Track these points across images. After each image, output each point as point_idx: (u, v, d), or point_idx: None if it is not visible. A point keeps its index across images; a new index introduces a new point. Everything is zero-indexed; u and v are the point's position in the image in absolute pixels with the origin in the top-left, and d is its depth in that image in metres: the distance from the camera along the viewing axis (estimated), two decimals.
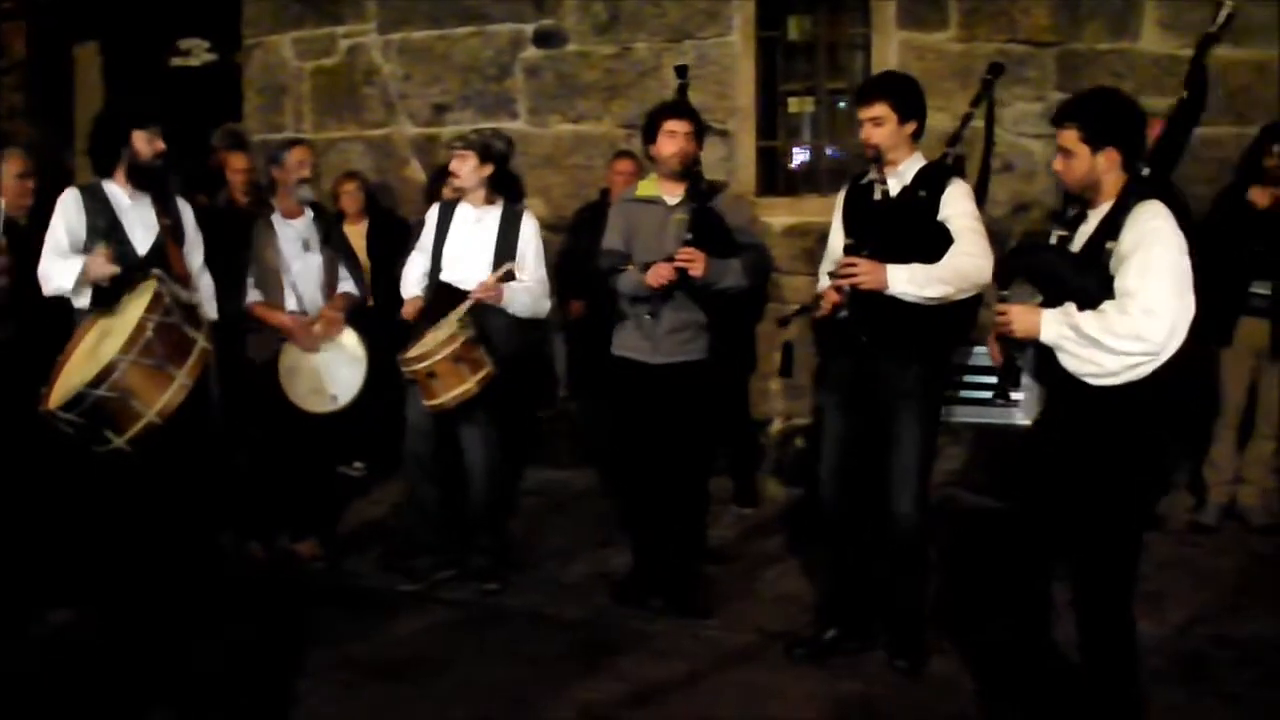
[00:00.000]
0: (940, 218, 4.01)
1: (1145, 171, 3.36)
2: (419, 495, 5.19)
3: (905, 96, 4.10)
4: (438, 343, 4.77)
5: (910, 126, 4.10)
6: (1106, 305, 3.22)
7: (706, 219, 4.61)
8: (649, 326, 4.65)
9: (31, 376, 4.05)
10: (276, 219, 5.22)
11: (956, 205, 4.01)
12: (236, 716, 3.81)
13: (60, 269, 4.22)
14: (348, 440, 6.69)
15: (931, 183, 4.04)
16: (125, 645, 3.96)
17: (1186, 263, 3.23)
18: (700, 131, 4.73)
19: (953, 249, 3.93)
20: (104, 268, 4.17)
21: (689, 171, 4.67)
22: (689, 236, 4.52)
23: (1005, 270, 3.50)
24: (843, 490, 4.23)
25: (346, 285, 5.38)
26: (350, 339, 5.25)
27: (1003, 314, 3.40)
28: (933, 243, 3.96)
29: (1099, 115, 3.36)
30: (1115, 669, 3.39)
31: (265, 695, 3.96)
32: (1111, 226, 3.27)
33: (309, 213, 5.32)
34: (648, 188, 4.80)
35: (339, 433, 5.60)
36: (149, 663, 3.82)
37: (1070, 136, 3.36)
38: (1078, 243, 3.41)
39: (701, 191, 4.68)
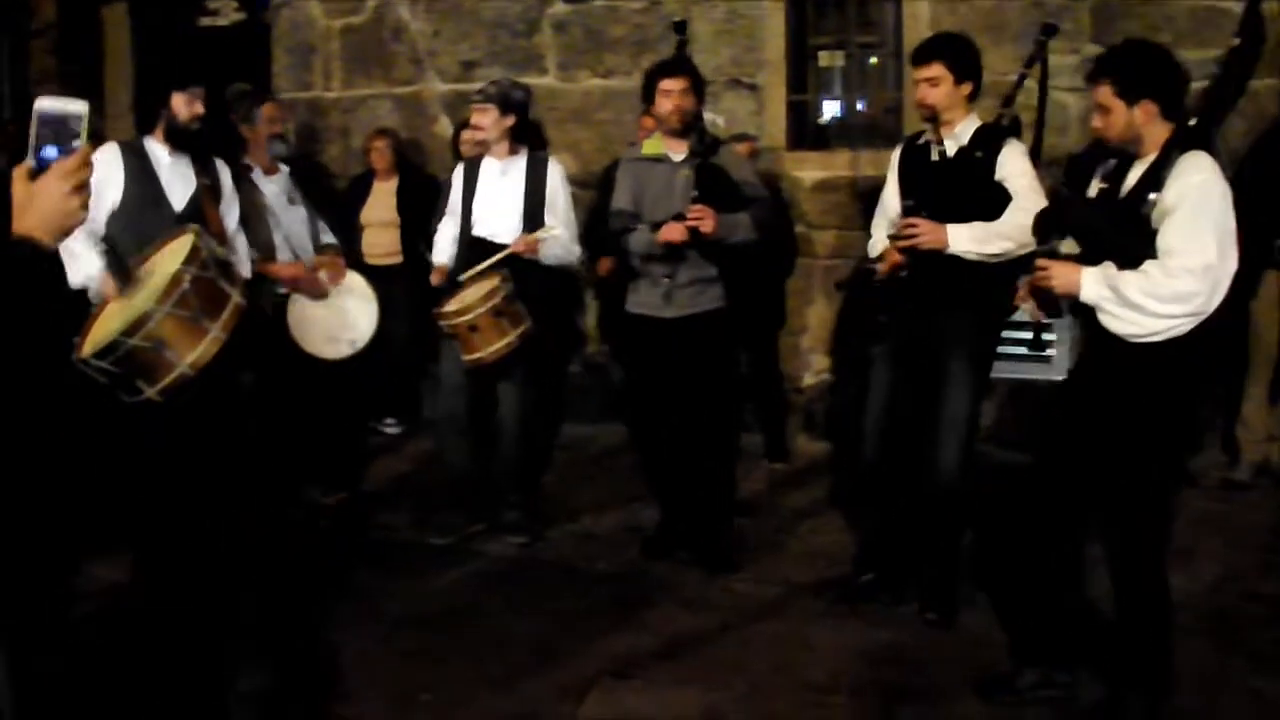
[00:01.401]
0: (997, 177, 4.00)
1: (1192, 122, 3.29)
2: (451, 451, 5.23)
3: (962, 57, 4.08)
4: (478, 297, 4.78)
5: (966, 88, 4.07)
6: (1149, 266, 3.17)
7: (710, 175, 4.61)
8: (665, 283, 4.68)
9: (67, 327, 4.08)
10: (257, 176, 5.18)
11: (1014, 164, 4.01)
12: (271, 670, 3.86)
13: (77, 260, 4.20)
14: (381, 398, 6.75)
15: (988, 143, 4.03)
16: (163, 600, 4.01)
17: (1231, 219, 3.20)
18: (698, 86, 4.70)
19: (1012, 206, 3.94)
20: (109, 288, 4.16)
21: (691, 127, 4.67)
22: (695, 194, 4.53)
23: (1044, 224, 3.47)
24: (888, 443, 4.26)
25: (329, 237, 5.38)
26: (357, 281, 5.22)
27: (1043, 269, 3.37)
28: (991, 202, 3.97)
29: (1133, 68, 3.30)
30: (1148, 624, 3.39)
31: (299, 648, 4.01)
32: (1154, 179, 3.22)
33: (284, 167, 5.32)
34: (653, 146, 4.80)
35: (372, 390, 5.62)
36: (185, 617, 3.87)
37: (1105, 92, 3.29)
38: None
39: (705, 146, 4.68)
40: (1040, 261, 3.39)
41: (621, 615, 4.31)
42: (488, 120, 4.99)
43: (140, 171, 4.33)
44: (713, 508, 4.87)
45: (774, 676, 3.82)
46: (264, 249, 5.09)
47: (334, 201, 6.61)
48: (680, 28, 4.91)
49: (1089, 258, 3.34)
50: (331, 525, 5.29)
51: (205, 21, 8.54)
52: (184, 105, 4.35)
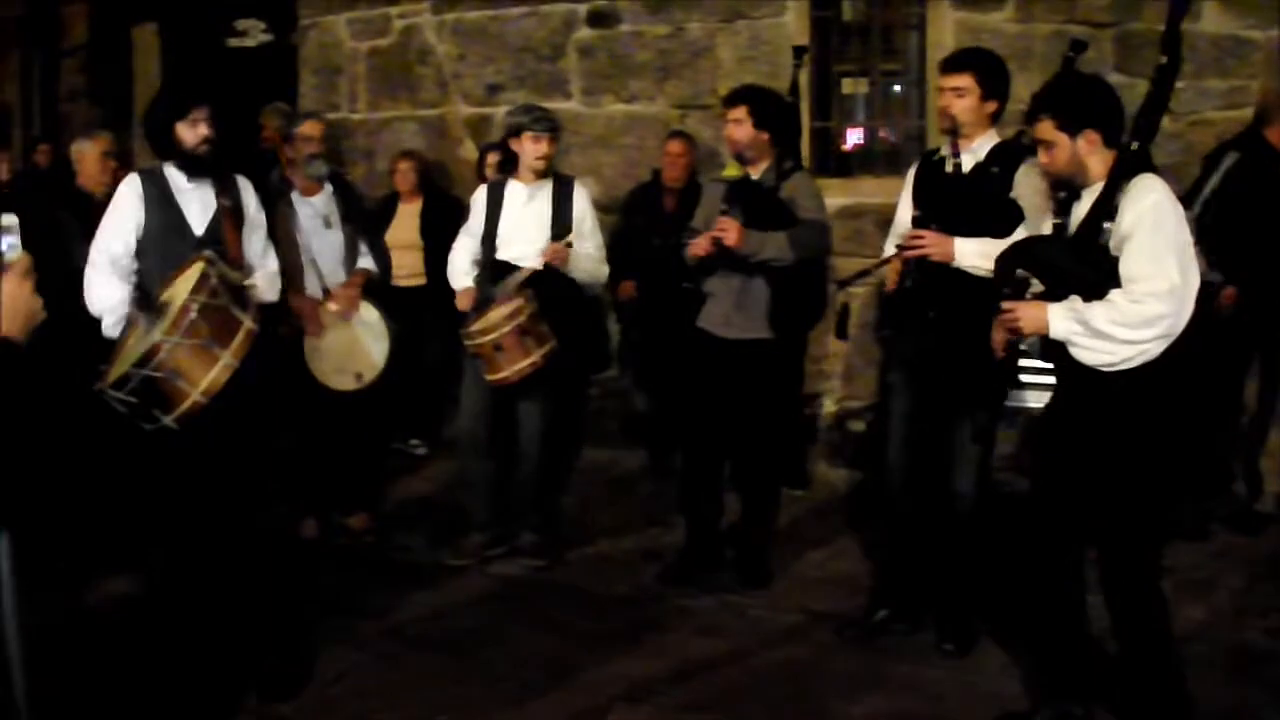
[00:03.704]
0: (1011, 195, 3.97)
1: (1134, 146, 3.32)
2: (471, 472, 5.24)
3: (992, 73, 4.05)
4: (503, 315, 4.79)
5: (991, 105, 4.04)
6: (1114, 295, 3.20)
7: (746, 191, 4.64)
8: (721, 301, 4.73)
9: (93, 354, 4.11)
10: (295, 197, 5.17)
11: (1028, 184, 3.95)
12: (284, 686, 3.87)
13: (95, 290, 4.23)
14: (407, 419, 6.77)
15: (1004, 161, 4.00)
16: (174, 616, 4.03)
17: (1188, 235, 3.24)
18: (761, 113, 4.67)
19: (1023, 227, 3.89)
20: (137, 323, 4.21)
21: (764, 153, 4.70)
22: (724, 208, 4.57)
23: (1004, 266, 3.47)
24: (908, 471, 4.23)
25: (365, 261, 5.34)
26: (371, 315, 5.18)
27: (1009, 310, 3.38)
28: (1003, 219, 3.93)
29: (1071, 101, 3.36)
30: (1151, 654, 3.36)
31: (313, 666, 4.02)
32: (1106, 207, 3.24)
33: (328, 188, 5.28)
34: (732, 168, 4.86)
35: (397, 411, 5.62)
36: (197, 634, 3.89)
37: (1047, 127, 3.35)
38: (1072, 227, 3.38)
39: (782, 171, 4.70)
40: (1005, 304, 3.41)
41: (638, 639, 4.31)
42: (552, 149, 5.04)
43: (161, 199, 4.32)
44: (754, 523, 4.95)
45: (790, 704, 3.81)
46: (291, 272, 5.10)
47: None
48: (798, 53, 4.93)
49: (1052, 294, 3.36)
50: (350, 544, 5.31)
51: (233, 42, 8.64)
52: (188, 131, 4.28)
